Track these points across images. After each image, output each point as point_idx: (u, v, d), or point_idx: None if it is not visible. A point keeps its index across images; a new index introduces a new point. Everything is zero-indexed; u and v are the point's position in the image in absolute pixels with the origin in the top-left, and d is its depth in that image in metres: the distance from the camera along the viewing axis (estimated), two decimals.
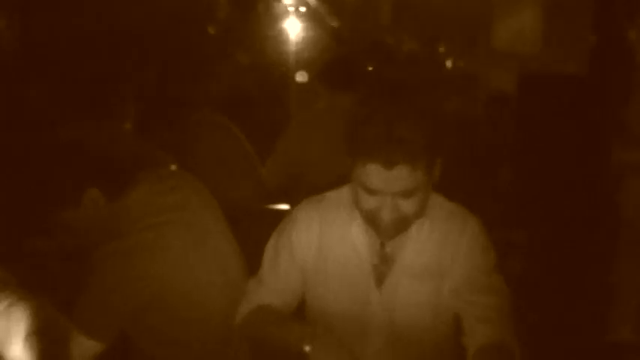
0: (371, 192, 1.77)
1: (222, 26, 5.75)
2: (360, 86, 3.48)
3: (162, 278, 1.97)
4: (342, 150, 1.89)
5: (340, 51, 4.09)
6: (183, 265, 2.00)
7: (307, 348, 1.74)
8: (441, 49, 5.93)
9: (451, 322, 1.98)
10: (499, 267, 1.94)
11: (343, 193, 2.01)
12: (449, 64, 5.88)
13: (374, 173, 1.72)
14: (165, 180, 2.19)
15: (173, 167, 2.74)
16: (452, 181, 2.05)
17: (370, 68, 5.03)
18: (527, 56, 4.97)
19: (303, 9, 5.71)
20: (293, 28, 5.86)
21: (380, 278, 1.93)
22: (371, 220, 1.83)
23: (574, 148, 3.51)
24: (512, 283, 1.97)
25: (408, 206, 1.78)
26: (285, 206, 3.78)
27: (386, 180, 1.72)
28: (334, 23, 6.00)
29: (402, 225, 1.83)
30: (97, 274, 1.95)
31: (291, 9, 5.69)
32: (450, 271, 1.92)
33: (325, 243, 1.97)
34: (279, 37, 5.73)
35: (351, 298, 1.94)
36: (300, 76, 5.09)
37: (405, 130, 1.70)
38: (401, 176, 1.71)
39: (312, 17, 5.76)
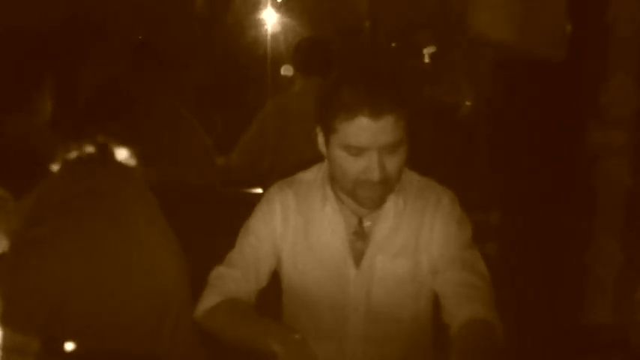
0: (358, 151, 1.75)
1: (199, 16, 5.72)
2: (334, 70, 3.48)
3: (79, 265, 1.93)
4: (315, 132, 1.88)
5: (313, 35, 4.09)
6: (98, 252, 1.96)
7: (278, 349, 1.68)
8: (417, 39, 5.92)
9: (430, 300, 1.97)
10: (475, 242, 1.94)
11: (314, 173, 2.00)
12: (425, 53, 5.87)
13: (361, 128, 1.72)
14: (80, 168, 2.14)
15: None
16: (427, 166, 2.05)
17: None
18: (503, 44, 4.96)
19: None
20: (270, 19, 5.84)
21: (358, 256, 1.92)
22: (357, 187, 1.80)
23: (549, 130, 3.51)
24: (489, 265, 1.96)
25: (392, 164, 1.78)
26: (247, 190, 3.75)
27: (373, 133, 1.72)
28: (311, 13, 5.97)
29: (386, 188, 1.82)
30: (12, 265, 1.93)
31: None
32: (427, 247, 1.91)
33: (301, 224, 1.96)
34: (256, 28, 5.70)
35: (330, 277, 1.93)
36: (285, 70, 5.05)
37: (385, 82, 1.76)
38: (387, 127, 1.72)
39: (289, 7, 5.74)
